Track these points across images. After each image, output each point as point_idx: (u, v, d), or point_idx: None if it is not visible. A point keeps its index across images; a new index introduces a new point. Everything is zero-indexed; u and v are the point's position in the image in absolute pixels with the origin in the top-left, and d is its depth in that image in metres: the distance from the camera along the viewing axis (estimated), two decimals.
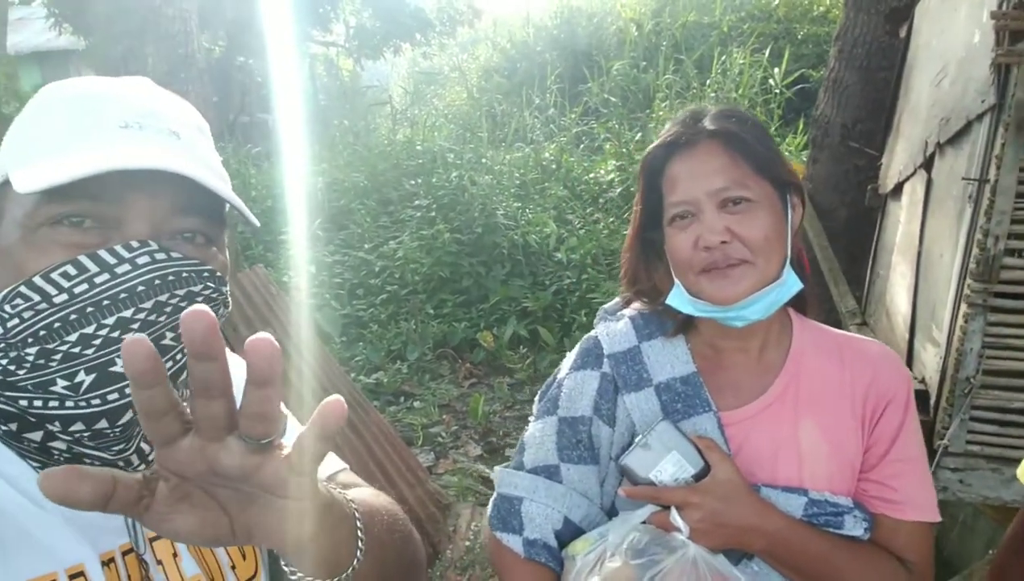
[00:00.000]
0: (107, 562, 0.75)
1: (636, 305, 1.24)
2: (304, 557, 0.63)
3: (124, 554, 0.77)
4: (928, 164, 2.77)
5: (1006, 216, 2.20)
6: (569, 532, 1.14)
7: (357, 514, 0.73)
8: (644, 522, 1.05)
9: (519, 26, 12.34)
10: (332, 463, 0.99)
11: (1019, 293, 2.27)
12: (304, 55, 13.02)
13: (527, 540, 1.13)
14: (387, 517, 0.84)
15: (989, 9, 2.24)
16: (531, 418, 1.25)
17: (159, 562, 0.80)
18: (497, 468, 1.23)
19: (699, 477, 1.04)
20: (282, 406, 0.53)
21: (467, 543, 3.61)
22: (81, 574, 0.73)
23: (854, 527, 1.05)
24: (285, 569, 0.91)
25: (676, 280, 1.11)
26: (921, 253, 2.74)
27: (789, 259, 1.08)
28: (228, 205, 0.79)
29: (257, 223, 0.81)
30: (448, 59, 13.95)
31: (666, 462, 1.05)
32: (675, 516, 1.02)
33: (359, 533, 0.72)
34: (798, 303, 1.16)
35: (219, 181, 0.76)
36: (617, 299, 1.30)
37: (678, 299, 1.11)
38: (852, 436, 1.08)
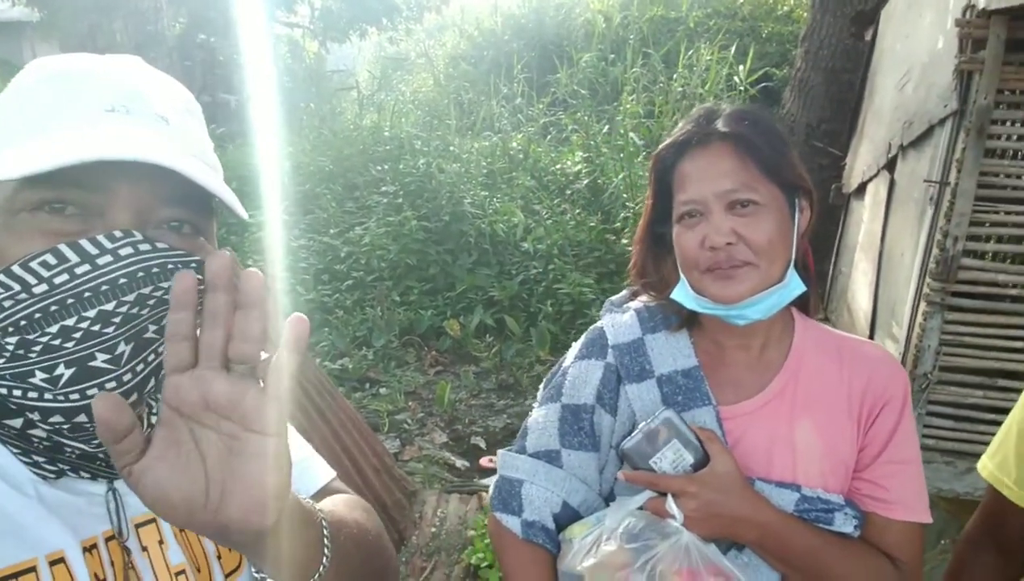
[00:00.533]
0: (89, 548, 0.74)
1: (642, 298, 1.26)
2: (269, 559, 0.64)
3: (107, 540, 0.76)
4: (891, 165, 2.85)
5: (965, 218, 2.28)
6: (567, 516, 1.17)
7: (324, 523, 0.73)
8: (640, 508, 1.08)
9: (487, 14, 12.28)
10: (325, 472, 0.99)
11: (976, 293, 2.36)
12: (268, 36, 12.79)
13: (525, 521, 1.16)
14: (356, 530, 0.83)
15: (953, 17, 2.32)
16: (534, 405, 1.28)
17: (144, 549, 0.79)
18: (500, 451, 1.26)
19: (697, 467, 1.07)
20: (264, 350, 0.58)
21: (433, 529, 3.63)
22: (61, 560, 0.71)
23: (844, 524, 1.08)
24: (256, 576, 0.91)
25: (682, 276, 1.14)
26: (883, 252, 2.83)
27: (794, 262, 1.11)
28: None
29: (246, 215, 0.78)
30: (415, 45, 13.83)
31: (667, 450, 1.08)
32: (671, 503, 1.04)
33: (325, 541, 0.72)
34: (801, 303, 1.19)
35: (208, 171, 0.73)
36: (624, 292, 1.32)
37: (683, 295, 1.13)
38: (847, 436, 1.11)
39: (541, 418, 1.22)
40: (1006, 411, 2.31)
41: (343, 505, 0.89)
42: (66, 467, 0.74)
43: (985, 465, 1.24)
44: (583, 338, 1.27)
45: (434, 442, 4.58)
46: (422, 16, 14.15)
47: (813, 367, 1.14)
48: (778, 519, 1.05)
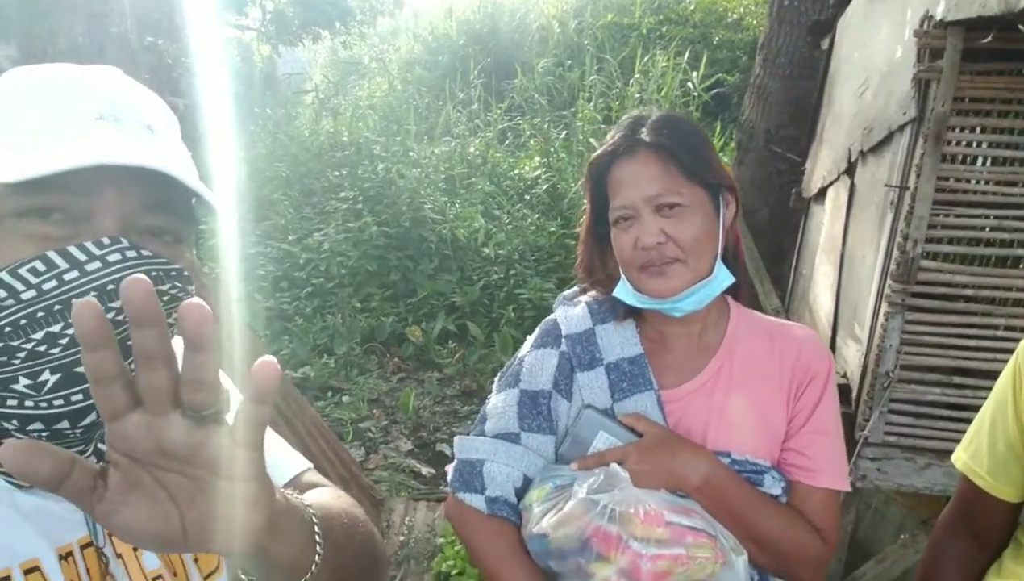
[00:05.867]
0: (64, 556, 0.73)
1: (592, 293, 1.35)
2: (260, 562, 0.63)
3: (83, 548, 0.75)
4: (851, 170, 2.93)
5: (924, 221, 2.36)
6: (527, 490, 1.23)
7: (315, 519, 0.73)
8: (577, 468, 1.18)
9: (440, 18, 12.26)
10: (297, 463, 0.99)
11: (935, 293, 2.44)
12: (217, 39, 12.55)
13: (489, 498, 1.21)
14: (346, 520, 0.83)
15: (911, 28, 2.40)
16: (491, 394, 1.33)
17: (119, 556, 0.78)
18: (457, 437, 1.31)
19: None
20: (226, 381, 0.55)
21: (401, 538, 3.61)
22: (37, 569, 0.70)
23: (773, 487, 1.18)
24: (242, 578, 0.90)
25: (622, 274, 1.24)
26: (844, 254, 2.90)
27: (721, 255, 1.21)
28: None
29: (231, 221, 0.81)
30: (368, 49, 13.73)
31: (597, 442, 1.18)
32: (617, 469, 1.12)
33: (317, 539, 0.72)
34: (734, 291, 1.29)
35: (195, 178, 0.75)
36: (575, 288, 1.41)
37: (623, 291, 1.24)
38: (778, 409, 1.21)
39: (500, 403, 1.27)
40: (961, 407, 2.42)
41: (329, 497, 0.89)
42: None
43: (959, 456, 1.29)
44: (538, 329, 1.35)
45: (399, 450, 4.55)
46: (375, 20, 14.05)
47: (746, 348, 1.25)
48: (720, 466, 1.15)
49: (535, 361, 1.28)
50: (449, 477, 1.28)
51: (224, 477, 0.54)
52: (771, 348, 1.24)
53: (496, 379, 1.34)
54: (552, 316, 1.35)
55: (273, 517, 0.61)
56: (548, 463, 1.24)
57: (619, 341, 1.26)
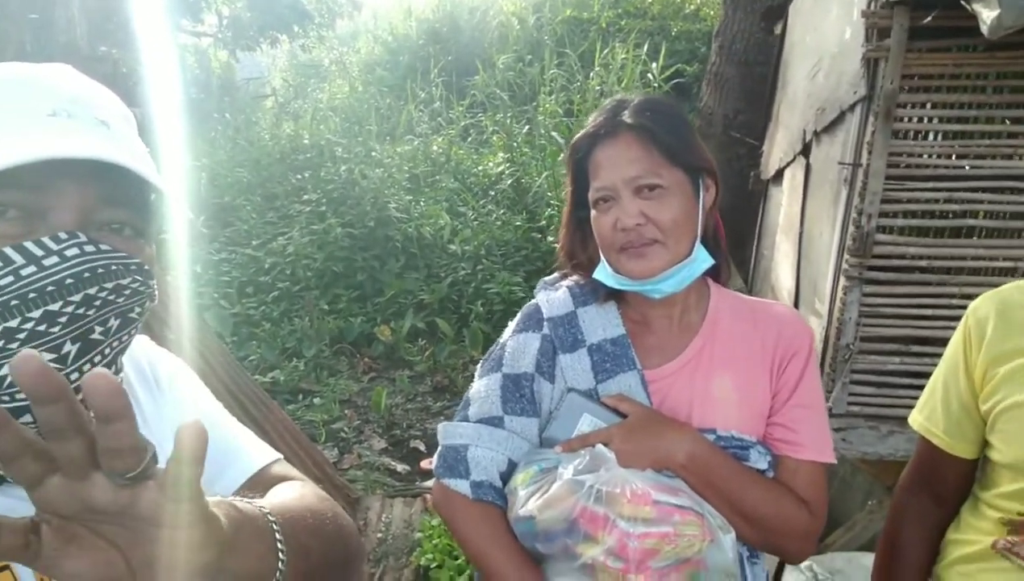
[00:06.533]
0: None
1: (573, 277, 1.35)
2: (220, 579, 0.61)
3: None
4: (806, 151, 3.00)
5: (877, 196, 2.42)
6: (512, 474, 1.22)
7: (275, 525, 0.70)
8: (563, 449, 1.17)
9: (400, 19, 12.20)
10: (264, 454, 0.97)
11: (891, 266, 2.51)
12: (173, 46, 12.35)
13: (474, 483, 1.20)
14: (311, 519, 0.81)
15: (859, 8, 2.46)
16: (474, 378, 1.32)
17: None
18: (441, 423, 1.30)
19: None
20: (145, 439, 0.51)
21: (379, 535, 3.60)
22: (7, 567, 0.70)
23: (759, 461, 1.18)
24: None
25: (602, 257, 1.24)
26: (802, 232, 2.97)
27: (702, 237, 1.22)
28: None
29: (189, 214, 0.79)
30: (328, 52, 13.63)
31: (581, 424, 1.19)
32: (602, 450, 1.12)
33: (279, 545, 0.69)
34: (714, 273, 1.30)
35: (153, 169, 0.74)
36: (556, 274, 1.41)
37: (603, 274, 1.23)
38: (762, 386, 1.22)
39: (483, 388, 1.27)
40: (920, 375, 2.48)
41: (293, 494, 0.86)
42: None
43: (915, 418, 1.33)
44: (520, 314, 1.35)
45: (373, 448, 4.54)
46: (334, 22, 13.92)
47: (728, 328, 1.25)
48: (704, 443, 1.15)
49: (517, 345, 1.28)
50: (434, 463, 1.28)
51: (163, 526, 0.52)
52: (753, 326, 1.25)
53: (479, 365, 1.34)
54: (534, 300, 1.35)
55: (225, 540, 0.58)
56: (532, 446, 1.23)
57: (601, 323, 1.26)
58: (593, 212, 1.22)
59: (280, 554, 0.69)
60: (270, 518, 0.71)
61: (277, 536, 0.70)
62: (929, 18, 2.25)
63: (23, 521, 0.50)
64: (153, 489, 0.51)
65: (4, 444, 0.47)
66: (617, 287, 1.22)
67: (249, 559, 0.64)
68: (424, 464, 4.34)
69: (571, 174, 1.28)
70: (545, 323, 1.28)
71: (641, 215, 1.14)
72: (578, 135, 1.25)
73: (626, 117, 1.18)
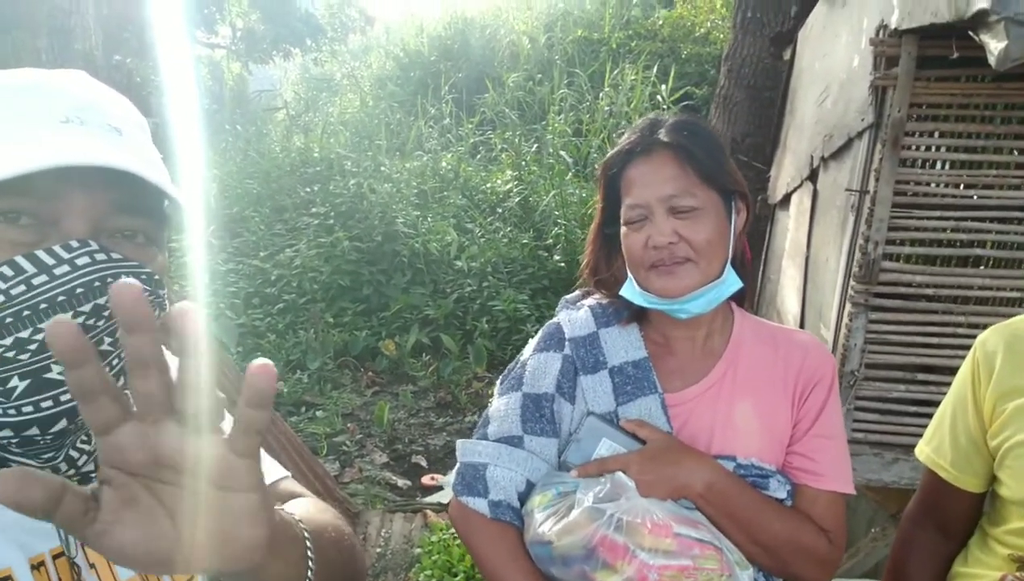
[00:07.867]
0: (36, 566, 0.72)
1: (595, 296, 1.35)
2: (251, 580, 0.61)
3: (55, 558, 0.73)
4: (813, 176, 3.00)
5: (884, 223, 2.42)
6: (529, 494, 1.22)
7: (306, 534, 0.71)
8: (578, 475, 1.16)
9: (412, 35, 12.31)
10: (274, 471, 0.97)
11: (897, 293, 2.50)
12: (187, 57, 12.46)
13: (492, 502, 1.20)
14: (334, 534, 0.81)
15: (868, 36, 2.48)
16: (493, 397, 1.32)
17: (92, 565, 0.77)
18: (460, 440, 1.29)
19: None
20: (218, 393, 0.51)
21: (379, 550, 3.59)
22: (9, 578, 0.69)
23: (778, 490, 1.17)
24: None
25: (629, 274, 1.23)
26: (808, 258, 2.96)
27: (731, 259, 1.20)
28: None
29: (199, 220, 0.79)
30: (340, 66, 13.74)
31: (600, 448, 1.17)
32: (622, 477, 1.11)
33: (309, 554, 0.69)
34: (738, 298, 1.29)
35: (165, 176, 0.73)
36: (577, 291, 1.41)
37: (630, 291, 1.22)
38: (783, 413, 1.21)
39: (503, 407, 1.27)
40: (926, 403, 2.47)
41: (315, 509, 0.87)
42: None
43: (922, 450, 1.32)
44: (540, 333, 1.34)
45: (374, 463, 4.53)
46: (347, 37, 14.07)
47: (751, 354, 1.24)
48: (723, 472, 1.14)
49: (538, 364, 1.27)
50: (452, 481, 1.27)
51: (223, 488, 0.52)
52: (775, 353, 1.23)
53: (498, 382, 1.34)
54: (555, 319, 1.34)
55: (274, 523, 0.58)
56: (551, 467, 1.23)
57: (623, 344, 1.25)
58: (624, 229, 1.21)
59: (310, 564, 0.69)
60: (302, 526, 0.71)
61: (308, 544, 0.70)
62: (942, 47, 2.26)
63: (85, 490, 0.50)
64: (218, 442, 0.51)
65: (88, 378, 0.46)
66: (644, 305, 1.21)
67: (283, 563, 0.64)
68: (425, 480, 4.33)
69: (602, 191, 1.27)
70: (567, 343, 1.27)
71: (674, 234, 1.14)
72: (611, 152, 1.25)
73: (662, 135, 1.17)
